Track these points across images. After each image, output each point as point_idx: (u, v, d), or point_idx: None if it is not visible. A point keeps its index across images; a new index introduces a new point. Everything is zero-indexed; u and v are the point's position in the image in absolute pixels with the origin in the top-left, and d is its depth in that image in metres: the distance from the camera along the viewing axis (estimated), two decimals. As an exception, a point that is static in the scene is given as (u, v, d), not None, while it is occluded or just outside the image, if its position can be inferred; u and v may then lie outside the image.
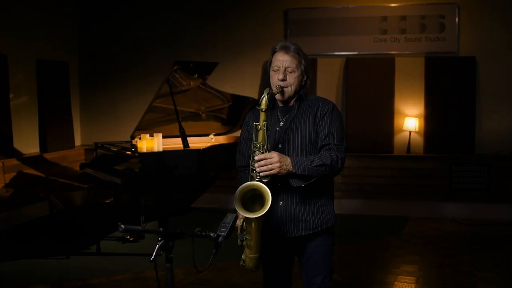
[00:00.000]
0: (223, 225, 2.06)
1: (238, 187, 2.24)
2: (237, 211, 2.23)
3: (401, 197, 6.56)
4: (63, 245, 4.98)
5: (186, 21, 7.56)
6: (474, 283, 4.17)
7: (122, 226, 1.82)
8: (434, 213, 6.37)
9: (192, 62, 5.14)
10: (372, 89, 6.96)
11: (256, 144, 2.29)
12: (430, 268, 4.58)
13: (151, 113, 5.24)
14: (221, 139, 5.99)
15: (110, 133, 7.62)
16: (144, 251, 4.89)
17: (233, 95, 5.75)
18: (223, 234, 2.02)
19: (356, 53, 7.10)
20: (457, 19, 6.71)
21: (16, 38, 6.69)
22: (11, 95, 6.58)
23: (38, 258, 4.83)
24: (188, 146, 4.97)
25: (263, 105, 2.28)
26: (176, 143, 5.40)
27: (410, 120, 6.81)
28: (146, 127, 5.30)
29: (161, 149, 4.97)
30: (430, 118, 6.82)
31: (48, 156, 6.87)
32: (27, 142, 6.90)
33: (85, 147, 7.63)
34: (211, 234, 2.01)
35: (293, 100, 2.46)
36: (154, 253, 1.87)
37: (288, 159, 2.27)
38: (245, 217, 2.21)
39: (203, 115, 5.78)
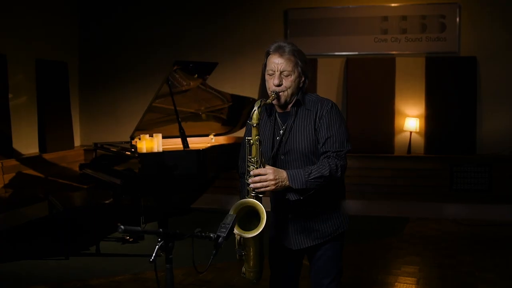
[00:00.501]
0: (223, 225, 2.04)
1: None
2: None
3: (402, 198, 6.54)
4: (63, 245, 4.97)
5: (186, 21, 7.55)
6: (475, 283, 4.16)
7: (122, 226, 1.80)
8: (435, 213, 6.36)
9: (192, 62, 5.13)
10: (372, 89, 6.95)
11: (250, 158, 2.22)
12: (430, 268, 4.57)
13: (151, 113, 5.23)
14: (221, 140, 5.98)
15: (110, 133, 7.60)
16: (143, 252, 4.87)
17: (233, 95, 5.73)
18: (223, 234, 2.00)
19: (356, 53, 7.08)
20: (457, 19, 6.70)
21: (15, 38, 6.68)
22: (10, 95, 6.56)
23: (38, 259, 4.82)
24: (188, 147, 4.96)
25: (254, 120, 2.19)
26: (176, 144, 5.39)
27: (411, 121, 6.80)
28: (146, 127, 5.29)
29: (160, 150, 4.96)
30: (431, 119, 6.81)
31: (47, 156, 6.86)
32: (27, 143, 6.89)
33: (85, 147, 7.62)
34: (211, 235, 1.99)
35: (291, 105, 2.35)
36: (153, 254, 1.85)
37: (284, 174, 2.18)
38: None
39: (203, 116, 5.76)
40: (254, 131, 2.21)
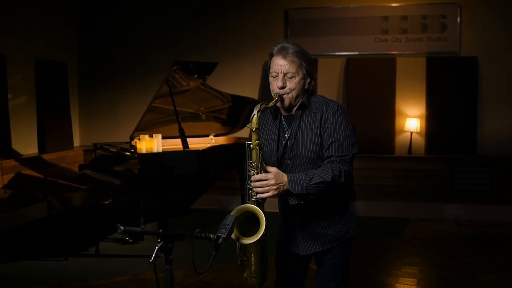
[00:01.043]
0: (223, 226, 2.02)
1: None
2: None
3: (402, 198, 6.52)
4: (62, 246, 4.95)
5: (186, 21, 7.54)
6: (475, 284, 4.15)
7: (121, 227, 1.79)
8: (435, 214, 6.33)
9: (192, 62, 5.12)
10: (373, 89, 6.94)
11: (250, 163, 2.19)
12: (431, 269, 4.55)
13: (151, 114, 5.21)
14: (221, 140, 5.97)
15: (109, 133, 7.59)
16: (143, 253, 4.85)
17: (233, 96, 5.72)
18: (223, 235, 1.99)
19: (357, 53, 7.07)
20: (458, 19, 6.69)
21: (15, 38, 6.67)
22: (9, 96, 6.55)
23: (37, 260, 4.80)
24: (188, 147, 4.94)
25: (254, 124, 2.15)
26: (175, 144, 5.37)
27: (411, 121, 6.79)
28: (146, 127, 5.28)
29: (160, 150, 4.94)
30: (432, 119, 6.80)
31: (46, 157, 6.84)
32: (26, 143, 6.87)
33: (84, 148, 7.61)
34: (211, 236, 1.98)
35: (295, 108, 2.30)
36: (153, 255, 1.85)
37: (286, 178, 2.14)
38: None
39: (203, 116, 5.75)
40: (254, 136, 2.17)
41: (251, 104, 5.78)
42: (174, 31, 7.59)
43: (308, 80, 2.30)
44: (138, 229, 1.95)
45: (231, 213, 2.12)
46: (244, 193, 2.34)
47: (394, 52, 6.94)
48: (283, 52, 2.24)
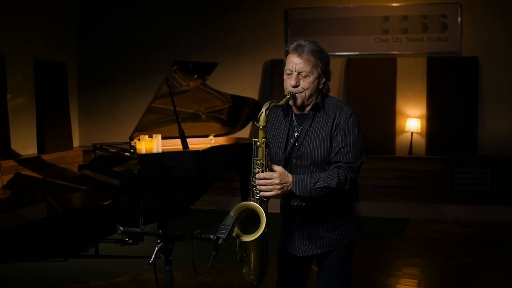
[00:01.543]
0: (223, 227, 2.01)
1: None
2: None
3: (403, 199, 6.51)
4: (61, 247, 4.94)
5: (186, 21, 7.54)
6: (476, 285, 4.14)
7: (121, 228, 1.78)
8: (436, 214, 6.32)
9: (191, 62, 5.10)
10: (373, 89, 6.92)
11: (256, 161, 2.17)
12: (431, 270, 4.54)
13: (150, 114, 5.20)
14: (221, 140, 5.95)
15: (109, 134, 7.58)
16: (143, 254, 4.84)
17: (233, 96, 5.70)
18: (223, 236, 1.98)
19: (357, 53, 7.06)
20: (459, 19, 6.68)
21: (14, 38, 6.66)
22: (8, 96, 6.53)
23: (36, 260, 4.78)
24: (188, 147, 4.93)
25: (262, 122, 2.13)
26: (175, 144, 5.36)
27: (412, 121, 6.77)
28: (145, 128, 5.26)
29: (160, 150, 4.92)
30: (432, 119, 6.78)
31: (46, 157, 6.83)
32: (25, 143, 6.86)
33: (84, 148, 7.60)
34: (211, 236, 1.97)
35: (309, 107, 2.26)
36: (153, 256, 1.83)
37: (290, 179, 2.12)
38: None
39: (203, 116, 5.73)
40: (260, 133, 2.15)
41: (251, 104, 5.77)
42: (174, 31, 7.58)
43: (323, 80, 2.26)
44: (138, 229, 1.94)
45: (232, 212, 2.11)
46: (244, 193, 2.33)
47: (395, 52, 6.93)
48: (298, 50, 2.20)
